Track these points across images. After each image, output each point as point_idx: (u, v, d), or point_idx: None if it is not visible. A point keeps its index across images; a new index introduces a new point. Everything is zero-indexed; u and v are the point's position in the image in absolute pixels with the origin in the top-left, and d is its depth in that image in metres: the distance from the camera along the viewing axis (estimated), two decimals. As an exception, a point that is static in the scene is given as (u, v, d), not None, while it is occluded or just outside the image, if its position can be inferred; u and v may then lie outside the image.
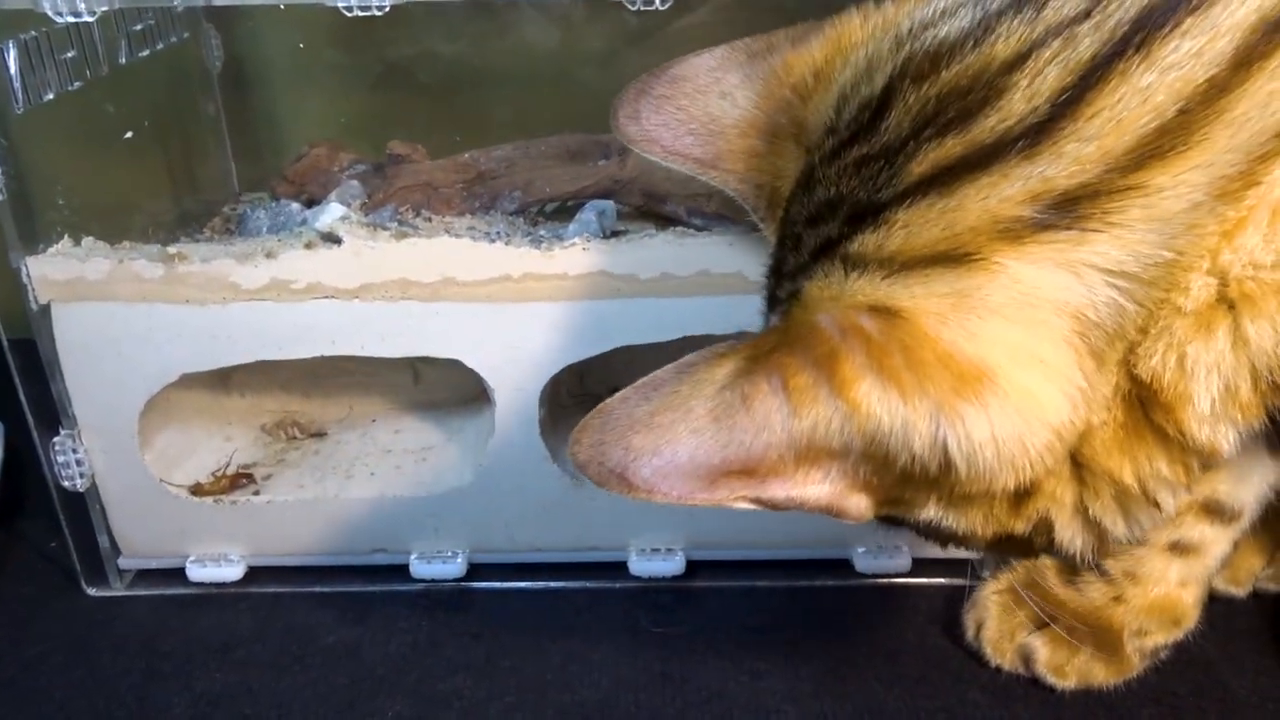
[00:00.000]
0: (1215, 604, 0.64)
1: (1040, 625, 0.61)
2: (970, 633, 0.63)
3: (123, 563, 0.70)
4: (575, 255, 0.61)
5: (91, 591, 0.70)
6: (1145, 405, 0.37)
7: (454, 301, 0.62)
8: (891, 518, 0.42)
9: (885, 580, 0.70)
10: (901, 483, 0.38)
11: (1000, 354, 0.35)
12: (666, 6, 0.55)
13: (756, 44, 0.49)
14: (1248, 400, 0.35)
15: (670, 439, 0.38)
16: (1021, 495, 0.39)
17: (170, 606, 0.69)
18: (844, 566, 0.70)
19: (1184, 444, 0.37)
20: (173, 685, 0.62)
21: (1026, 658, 0.60)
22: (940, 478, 0.37)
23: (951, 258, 0.35)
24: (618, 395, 0.40)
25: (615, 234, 0.65)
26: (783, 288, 0.43)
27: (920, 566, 0.70)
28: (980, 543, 0.42)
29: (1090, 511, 0.40)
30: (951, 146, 0.36)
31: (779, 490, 0.38)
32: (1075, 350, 0.35)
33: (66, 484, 0.66)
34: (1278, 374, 0.34)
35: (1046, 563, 0.64)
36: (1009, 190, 0.35)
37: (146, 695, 0.61)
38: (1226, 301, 0.35)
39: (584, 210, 0.65)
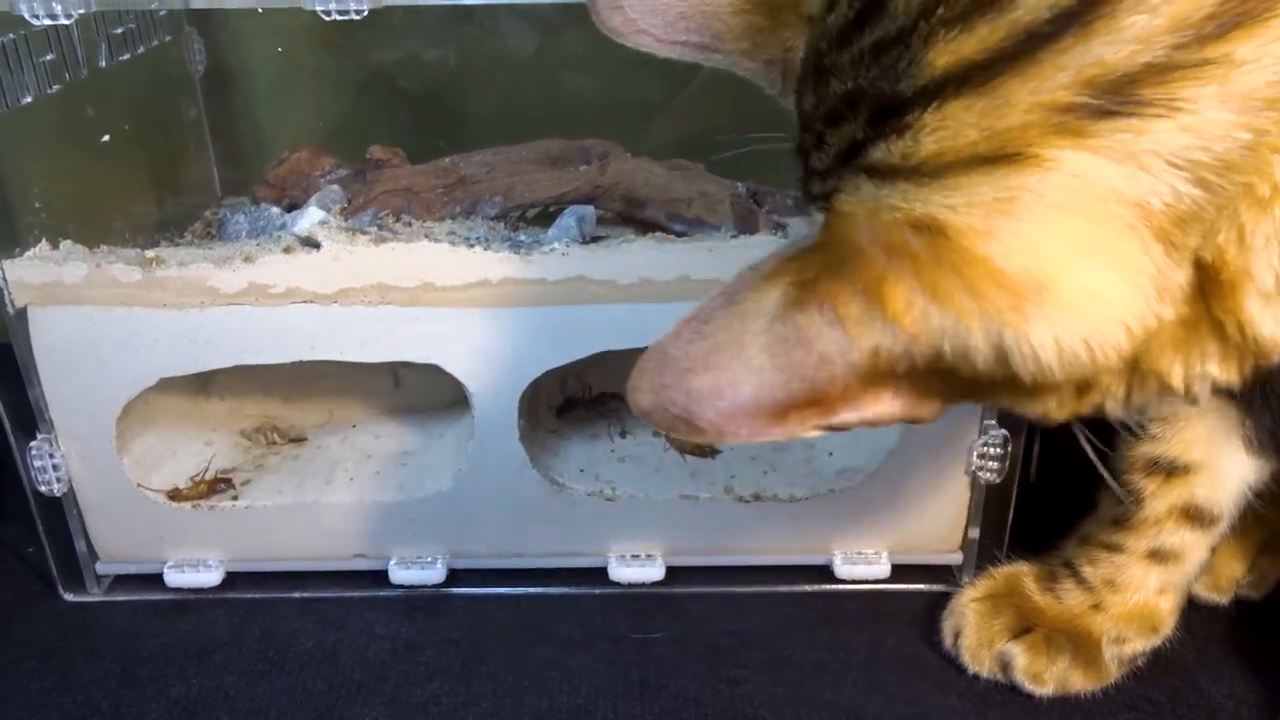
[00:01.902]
0: (1192, 610, 0.64)
1: (1018, 633, 0.61)
2: (948, 640, 0.63)
3: (100, 568, 0.70)
4: (554, 260, 0.61)
5: (68, 597, 0.69)
6: (1207, 296, 0.34)
7: (433, 306, 0.62)
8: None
9: (864, 586, 0.70)
10: (971, 386, 0.36)
11: (1059, 254, 0.32)
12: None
13: None
14: None
15: (731, 380, 0.36)
16: (1083, 388, 0.38)
17: (147, 612, 0.68)
18: (823, 572, 0.70)
19: (1242, 341, 0.35)
20: (148, 691, 0.61)
21: (1005, 665, 0.60)
22: (1007, 382, 0.35)
23: (995, 159, 0.32)
24: (670, 333, 0.38)
25: (595, 239, 0.65)
26: (813, 184, 0.40)
27: (899, 573, 0.70)
28: (1056, 421, 0.40)
29: (1133, 400, 0.38)
30: (984, 33, 0.32)
31: (849, 415, 0.37)
32: (1141, 238, 0.32)
33: (43, 489, 0.65)
34: None
35: (1025, 570, 0.64)
36: (1060, 78, 0.31)
37: (122, 701, 0.61)
38: None
39: (563, 215, 0.65)
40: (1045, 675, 0.60)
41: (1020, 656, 0.60)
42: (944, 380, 0.36)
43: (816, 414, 0.37)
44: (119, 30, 0.74)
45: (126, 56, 0.75)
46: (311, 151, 0.76)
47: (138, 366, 0.63)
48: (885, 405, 0.37)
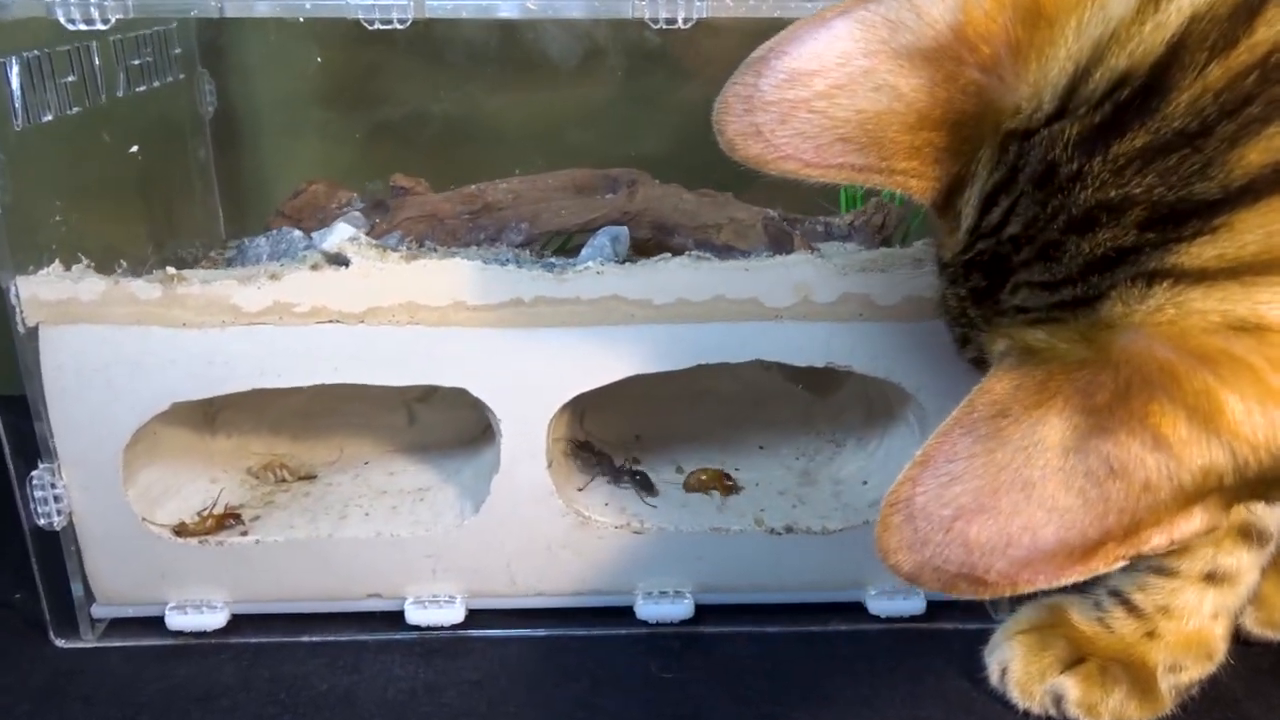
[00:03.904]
0: (1238, 641, 0.62)
1: (1070, 665, 0.59)
2: (995, 676, 0.61)
3: (96, 610, 0.66)
4: (588, 279, 0.60)
5: (60, 643, 0.65)
6: None
7: (463, 327, 0.60)
8: None
9: (899, 624, 0.67)
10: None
11: None
12: (689, 26, 0.55)
13: (894, 9, 0.39)
14: None
15: (1025, 524, 0.33)
16: None
17: (146, 657, 0.64)
18: (856, 610, 0.68)
19: None
20: (151, 735, 0.58)
21: (1058, 699, 0.58)
22: None
23: None
24: (904, 480, 0.35)
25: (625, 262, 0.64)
26: (1019, 295, 0.38)
27: (934, 609, 0.67)
28: None
29: None
30: None
31: (1159, 540, 0.34)
32: None
33: (42, 521, 0.62)
34: None
35: (1067, 601, 0.62)
36: None
37: (123, 745, 0.57)
38: None
39: (597, 235, 0.65)
40: (1100, 708, 0.58)
41: (1074, 689, 0.58)
42: (1265, 485, 0.33)
43: (1128, 546, 0.34)
44: (136, 62, 0.73)
45: (142, 89, 0.74)
46: (329, 185, 0.75)
47: (150, 390, 0.61)
48: (1194, 522, 0.34)
